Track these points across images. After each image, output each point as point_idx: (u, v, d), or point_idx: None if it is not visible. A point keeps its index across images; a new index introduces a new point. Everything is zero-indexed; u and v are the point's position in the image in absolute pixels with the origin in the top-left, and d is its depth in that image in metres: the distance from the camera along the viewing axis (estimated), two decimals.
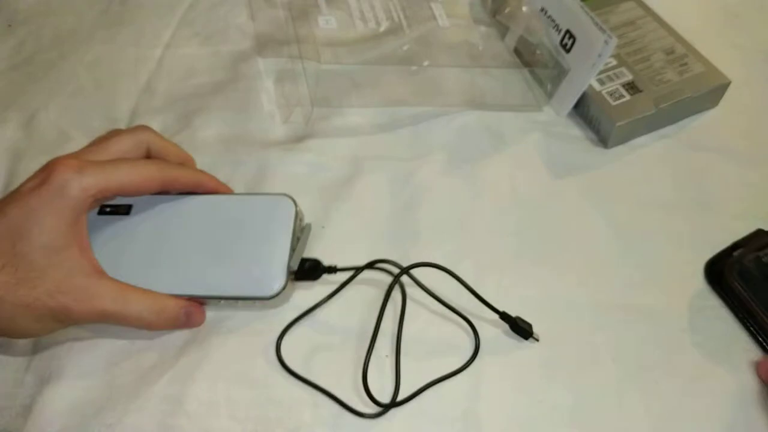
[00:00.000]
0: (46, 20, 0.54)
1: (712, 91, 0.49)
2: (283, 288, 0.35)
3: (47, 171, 0.31)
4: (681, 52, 0.50)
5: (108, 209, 0.37)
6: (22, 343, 0.37)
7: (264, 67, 0.51)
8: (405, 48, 0.50)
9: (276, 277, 0.35)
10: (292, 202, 0.37)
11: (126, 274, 0.34)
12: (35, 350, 0.37)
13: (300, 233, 0.37)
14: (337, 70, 0.49)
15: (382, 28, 0.51)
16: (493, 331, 0.38)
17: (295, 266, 0.36)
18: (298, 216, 0.37)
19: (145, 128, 0.37)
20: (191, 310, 0.36)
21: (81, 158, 0.33)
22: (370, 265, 0.38)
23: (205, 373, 0.36)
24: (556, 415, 0.36)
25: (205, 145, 0.46)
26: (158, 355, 0.37)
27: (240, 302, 0.37)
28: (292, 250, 0.36)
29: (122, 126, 0.47)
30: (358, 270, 0.37)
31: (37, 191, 0.31)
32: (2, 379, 0.36)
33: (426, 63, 0.50)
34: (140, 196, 0.35)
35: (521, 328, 0.37)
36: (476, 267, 0.41)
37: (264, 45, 0.52)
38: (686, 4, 0.57)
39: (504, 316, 0.37)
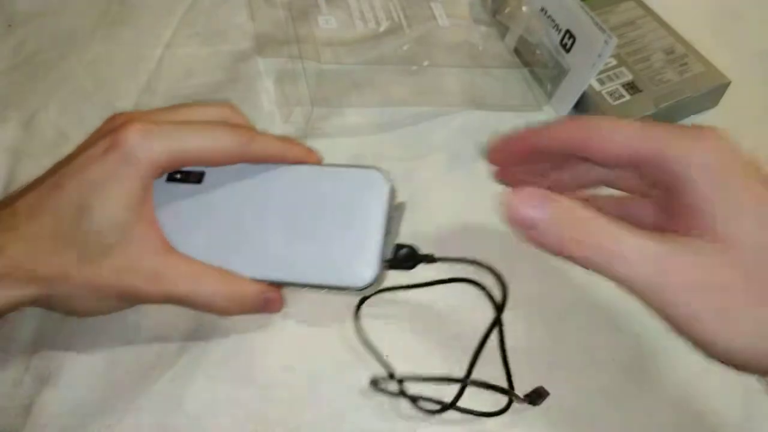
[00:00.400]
0: (46, 20, 0.54)
1: (712, 91, 0.49)
2: (376, 278, 0.31)
3: (113, 136, 0.28)
4: (681, 52, 0.50)
5: (178, 176, 0.33)
6: (22, 343, 0.37)
7: (264, 67, 0.51)
8: (405, 48, 0.50)
9: (368, 265, 0.31)
10: (385, 178, 0.32)
11: (195, 253, 0.31)
12: (35, 350, 0.37)
13: (394, 212, 0.32)
14: (337, 70, 0.49)
15: (382, 28, 0.51)
16: None
17: (388, 253, 0.31)
18: (392, 194, 0.32)
19: (230, 106, 0.32)
20: (270, 296, 0.32)
21: (152, 118, 0.29)
22: (471, 262, 0.34)
23: (205, 372, 0.36)
24: (554, 415, 0.36)
25: None
26: (158, 354, 0.37)
27: (324, 290, 0.32)
28: (386, 233, 0.31)
29: None
30: (459, 260, 0.33)
31: (101, 160, 0.28)
32: (2, 379, 0.36)
33: (426, 63, 0.50)
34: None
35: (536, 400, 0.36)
36: (476, 267, 0.41)
37: (264, 45, 0.52)
38: (686, 4, 0.57)
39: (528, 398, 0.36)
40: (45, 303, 0.29)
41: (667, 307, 0.23)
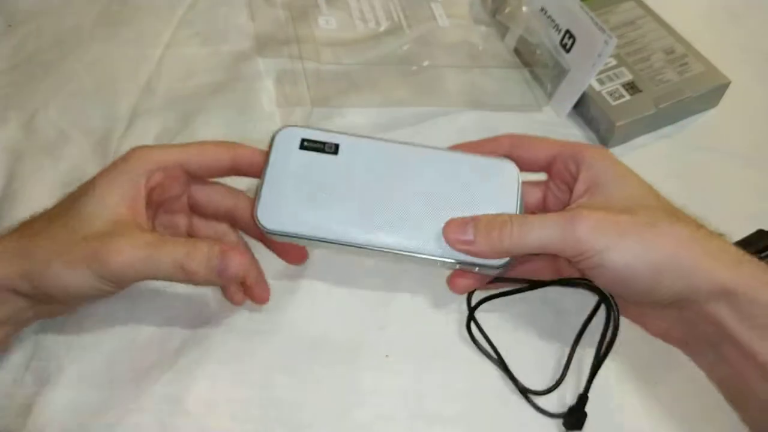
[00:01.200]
0: (46, 20, 0.54)
1: (712, 91, 0.49)
2: (512, 260, 0.34)
3: (123, 155, 0.34)
4: (681, 52, 0.50)
5: (312, 145, 0.35)
6: (23, 343, 0.37)
7: (264, 68, 0.51)
8: (405, 48, 0.50)
9: None
10: (515, 169, 0.36)
11: (331, 219, 0.33)
12: (35, 350, 0.37)
13: (522, 201, 0.36)
14: (337, 70, 0.49)
15: (382, 28, 0.51)
16: None
17: None
18: (520, 183, 0.35)
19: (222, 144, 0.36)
20: (227, 253, 0.32)
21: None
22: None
23: (205, 372, 0.36)
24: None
25: None
26: (158, 354, 0.37)
27: (459, 267, 0.35)
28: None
29: (122, 126, 0.47)
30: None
31: (108, 167, 0.34)
32: (2, 379, 0.36)
33: (426, 63, 0.50)
34: (348, 139, 0.35)
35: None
36: None
37: (264, 45, 0.52)
38: (686, 4, 0.57)
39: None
40: (26, 287, 0.31)
41: (580, 250, 0.30)
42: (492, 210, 0.34)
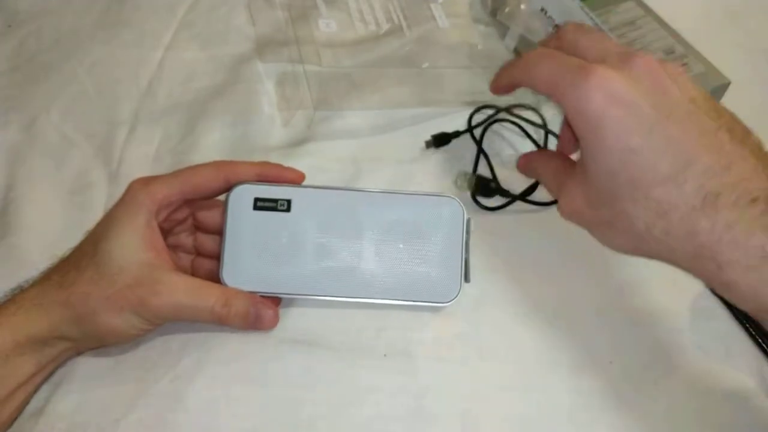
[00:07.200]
0: (46, 21, 0.54)
1: (712, 91, 0.49)
2: (459, 293, 0.37)
3: (124, 193, 0.36)
4: (681, 52, 0.50)
5: (265, 205, 0.37)
6: None
7: (264, 70, 0.51)
8: (405, 49, 0.50)
9: (452, 284, 0.37)
10: (461, 207, 0.38)
11: (289, 274, 0.36)
12: None
13: (467, 235, 0.38)
14: (337, 73, 0.49)
15: (382, 30, 0.52)
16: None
17: (466, 272, 0.37)
18: (465, 220, 0.38)
19: (222, 163, 0.38)
20: (261, 310, 0.36)
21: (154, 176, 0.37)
22: None
23: (206, 371, 0.36)
24: (554, 415, 0.36)
25: (208, 149, 0.46)
26: (161, 354, 0.37)
27: (409, 305, 0.38)
28: (465, 253, 0.37)
29: (125, 131, 0.47)
30: None
31: (115, 207, 0.36)
32: None
33: (426, 64, 0.50)
34: (300, 192, 0.37)
35: None
36: (478, 265, 0.41)
37: (264, 47, 0.52)
38: (686, 4, 0.57)
39: None
40: (75, 332, 0.34)
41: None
42: (441, 248, 0.37)
